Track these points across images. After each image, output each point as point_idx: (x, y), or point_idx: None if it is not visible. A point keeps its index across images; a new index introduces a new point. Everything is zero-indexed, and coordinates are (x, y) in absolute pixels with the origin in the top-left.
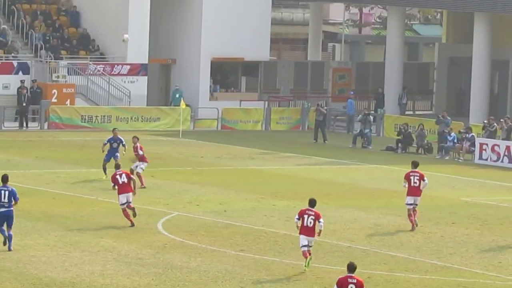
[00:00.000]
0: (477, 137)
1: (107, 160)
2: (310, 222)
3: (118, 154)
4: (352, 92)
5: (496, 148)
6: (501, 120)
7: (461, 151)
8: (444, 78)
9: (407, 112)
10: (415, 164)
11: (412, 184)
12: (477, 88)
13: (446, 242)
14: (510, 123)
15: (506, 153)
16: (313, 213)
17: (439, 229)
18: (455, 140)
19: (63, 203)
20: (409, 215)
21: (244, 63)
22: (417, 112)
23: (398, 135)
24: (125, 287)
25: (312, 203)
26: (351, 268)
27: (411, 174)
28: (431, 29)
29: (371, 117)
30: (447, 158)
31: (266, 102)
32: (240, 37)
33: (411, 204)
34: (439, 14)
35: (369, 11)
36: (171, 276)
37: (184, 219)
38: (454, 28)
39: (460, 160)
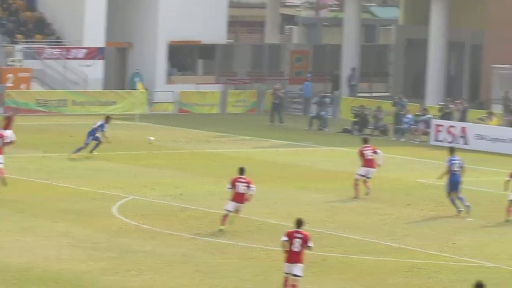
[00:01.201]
0: (434, 118)
1: None
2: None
3: None
4: (309, 75)
5: (451, 129)
6: (457, 101)
7: (416, 133)
8: (400, 60)
9: (363, 94)
10: (365, 140)
11: (366, 157)
12: (434, 70)
13: (401, 223)
14: (466, 105)
15: (462, 134)
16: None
17: (395, 211)
18: (411, 122)
19: (17, 187)
20: (355, 185)
21: (201, 46)
22: (373, 94)
23: (354, 117)
24: (80, 272)
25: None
26: (298, 223)
27: (363, 149)
28: (388, 11)
29: (328, 100)
30: (403, 140)
31: (223, 85)
32: (197, 20)
33: (361, 175)
34: None
35: None
36: (126, 260)
37: (140, 203)
38: (411, 10)
39: (415, 142)
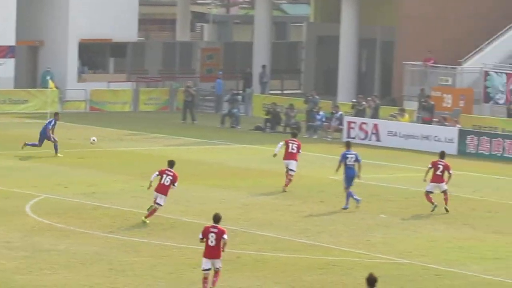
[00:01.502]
0: (346, 115)
1: None
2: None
3: None
4: (220, 72)
5: (364, 126)
6: (369, 98)
7: (329, 130)
8: (312, 57)
9: (274, 91)
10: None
11: (289, 150)
12: (345, 67)
13: (314, 220)
14: (378, 102)
15: (374, 131)
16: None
17: (308, 208)
18: (324, 119)
19: None
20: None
21: (112, 44)
22: (285, 92)
23: (266, 114)
24: None
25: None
26: (215, 219)
27: (289, 141)
28: (299, 8)
29: (239, 97)
30: (315, 137)
31: (134, 83)
32: (108, 18)
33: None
34: None
35: None
36: (39, 259)
37: (53, 202)
38: (322, 7)
39: (328, 139)
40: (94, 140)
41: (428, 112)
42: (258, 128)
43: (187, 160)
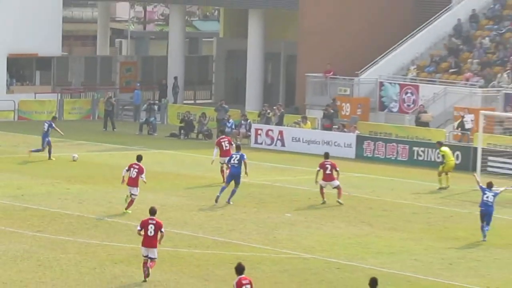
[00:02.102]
0: (253, 123)
1: None
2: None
3: None
4: (138, 84)
5: (270, 133)
6: (274, 107)
7: (238, 136)
8: (222, 69)
9: (187, 101)
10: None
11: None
12: (252, 78)
13: (226, 219)
14: (282, 110)
15: (279, 138)
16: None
17: (219, 208)
18: (233, 126)
19: None
20: (222, 171)
21: (38, 58)
22: (198, 101)
23: (180, 122)
24: None
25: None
26: (151, 211)
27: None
28: (209, 25)
29: (156, 107)
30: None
31: (59, 94)
32: (34, 34)
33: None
34: (216, 11)
35: (153, 9)
36: None
37: None
38: (231, 24)
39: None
40: (75, 157)
41: (329, 120)
42: (173, 135)
43: (109, 165)
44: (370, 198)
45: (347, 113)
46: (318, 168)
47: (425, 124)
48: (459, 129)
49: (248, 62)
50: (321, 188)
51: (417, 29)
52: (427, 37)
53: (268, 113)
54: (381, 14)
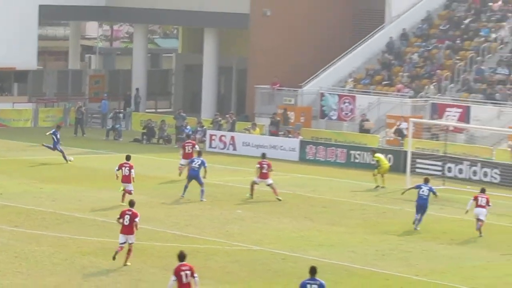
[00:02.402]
0: (208, 129)
1: None
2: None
3: None
4: (105, 94)
5: (223, 138)
6: (227, 115)
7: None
8: (180, 82)
9: (149, 110)
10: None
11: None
12: (207, 89)
13: (183, 215)
14: (234, 118)
15: (231, 142)
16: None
17: (178, 205)
18: (190, 132)
19: None
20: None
21: (16, 72)
22: (159, 110)
23: (143, 129)
24: None
25: None
26: (130, 204)
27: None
28: (169, 42)
29: (121, 115)
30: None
31: (35, 104)
32: (13, 50)
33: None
34: (175, 30)
35: (119, 27)
36: None
37: None
38: (188, 41)
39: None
40: (71, 159)
41: (275, 126)
42: (136, 140)
43: (79, 167)
44: (312, 197)
45: (292, 121)
46: (257, 165)
47: (367, 131)
48: (396, 134)
49: (203, 75)
50: (254, 184)
51: (354, 45)
52: (363, 53)
53: (220, 121)
54: (322, 33)
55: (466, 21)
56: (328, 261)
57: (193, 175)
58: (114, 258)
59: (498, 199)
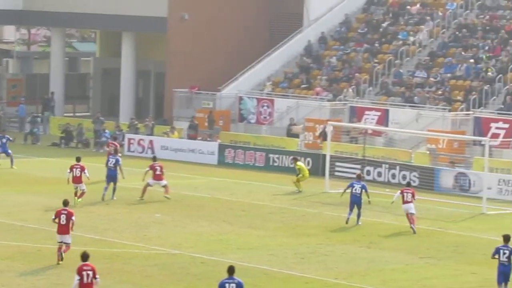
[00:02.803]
0: (126, 133)
1: None
2: (63, 221)
3: None
4: (23, 98)
5: (141, 142)
6: (146, 119)
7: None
8: (98, 85)
9: (67, 114)
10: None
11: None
12: (125, 93)
13: (101, 219)
14: (153, 122)
15: (149, 146)
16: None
17: (95, 209)
18: (109, 136)
19: None
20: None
21: None
22: (77, 114)
23: (61, 133)
24: None
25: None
26: (64, 203)
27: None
28: (87, 46)
29: (39, 119)
30: (102, 151)
31: None
32: None
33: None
34: (93, 33)
35: (36, 31)
36: None
37: None
38: (106, 45)
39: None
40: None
41: (194, 130)
42: (54, 144)
43: None
44: (231, 200)
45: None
46: (147, 169)
47: (296, 136)
48: (321, 137)
49: (121, 79)
50: (147, 186)
51: (272, 49)
52: (281, 56)
53: (136, 124)
54: (240, 36)
55: (384, 25)
56: (247, 265)
57: (112, 175)
58: (58, 262)
59: (417, 203)
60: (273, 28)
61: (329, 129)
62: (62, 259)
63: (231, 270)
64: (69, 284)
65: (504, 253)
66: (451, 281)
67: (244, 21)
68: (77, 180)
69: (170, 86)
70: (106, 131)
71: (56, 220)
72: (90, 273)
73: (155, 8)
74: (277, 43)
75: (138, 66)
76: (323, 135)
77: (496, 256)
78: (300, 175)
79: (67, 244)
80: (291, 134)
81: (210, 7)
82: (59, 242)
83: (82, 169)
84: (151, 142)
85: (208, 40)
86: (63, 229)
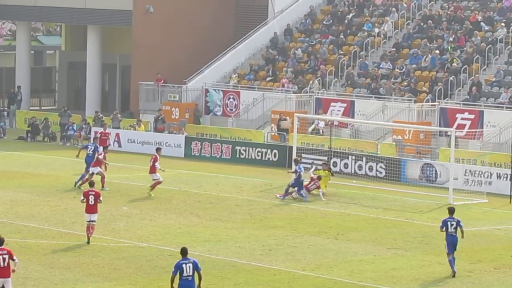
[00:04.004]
0: (92, 126)
1: None
2: (92, 201)
3: None
4: None
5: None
6: (114, 112)
7: (79, 138)
8: (64, 79)
9: (33, 108)
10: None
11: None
12: (91, 87)
13: (69, 213)
14: (119, 115)
15: (116, 139)
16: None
17: (63, 203)
18: (75, 130)
19: None
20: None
21: None
22: (43, 108)
23: (28, 126)
24: None
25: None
26: (90, 184)
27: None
28: (52, 39)
29: (5, 113)
30: (68, 144)
31: None
32: None
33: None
34: (59, 27)
35: (1, 25)
36: None
37: None
38: (71, 38)
39: (79, 146)
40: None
41: (161, 123)
42: (21, 138)
43: None
44: (198, 193)
45: (177, 117)
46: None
47: (286, 131)
48: (314, 133)
49: (87, 72)
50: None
51: (238, 41)
52: (246, 48)
53: (101, 117)
54: (206, 29)
55: (349, 16)
56: (215, 257)
57: (89, 161)
58: (89, 240)
59: (383, 193)
60: (239, 20)
61: (321, 126)
62: (89, 242)
63: (184, 251)
64: (37, 277)
65: (451, 224)
66: (419, 271)
67: (210, 13)
68: (96, 163)
69: (135, 79)
70: (73, 124)
71: (85, 201)
72: (6, 256)
73: (120, 1)
74: (242, 35)
75: (104, 59)
76: (316, 132)
77: (444, 229)
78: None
79: (93, 224)
80: (280, 129)
81: (175, 0)
82: (88, 221)
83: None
84: (117, 135)
85: (173, 33)
86: (92, 209)
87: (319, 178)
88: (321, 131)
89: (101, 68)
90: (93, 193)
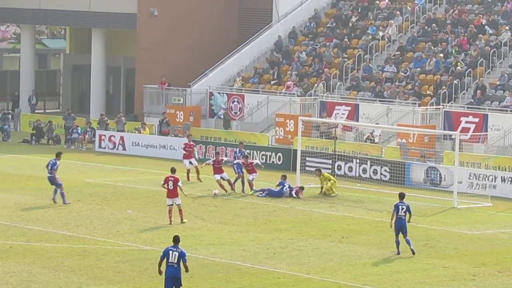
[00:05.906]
0: (97, 129)
1: None
2: (171, 186)
3: None
4: None
5: (112, 138)
6: (118, 115)
7: (84, 142)
8: (68, 82)
9: (38, 111)
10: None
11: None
12: (96, 89)
13: (73, 216)
14: (123, 118)
15: (121, 142)
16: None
17: (68, 206)
18: (79, 133)
19: None
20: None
21: None
22: (47, 111)
23: (32, 130)
24: None
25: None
26: (172, 170)
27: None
28: (57, 42)
29: (10, 116)
30: (72, 147)
31: None
32: None
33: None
34: (63, 30)
35: (6, 28)
36: None
37: None
38: (76, 41)
39: (83, 149)
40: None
41: (165, 126)
42: (25, 141)
43: None
44: (203, 196)
45: (181, 120)
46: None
47: (335, 138)
48: (369, 142)
49: (92, 75)
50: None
51: (242, 44)
52: (251, 52)
53: (106, 120)
54: (210, 32)
55: (354, 19)
56: (220, 260)
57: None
58: (170, 222)
59: (388, 197)
60: (243, 24)
61: (376, 133)
62: (171, 222)
63: (175, 239)
64: (41, 280)
65: (402, 208)
66: (423, 275)
67: (214, 16)
68: (187, 156)
69: (140, 82)
70: (78, 127)
71: (165, 186)
72: (174, 182)
73: (124, 4)
74: (247, 39)
75: (108, 62)
76: (371, 140)
77: (395, 213)
78: (332, 181)
79: (179, 205)
80: (331, 137)
81: (179, 3)
82: (169, 205)
83: (176, 181)
84: (122, 138)
85: (177, 36)
86: (172, 193)
87: (302, 188)
88: (376, 139)
89: (105, 71)
90: (172, 178)
